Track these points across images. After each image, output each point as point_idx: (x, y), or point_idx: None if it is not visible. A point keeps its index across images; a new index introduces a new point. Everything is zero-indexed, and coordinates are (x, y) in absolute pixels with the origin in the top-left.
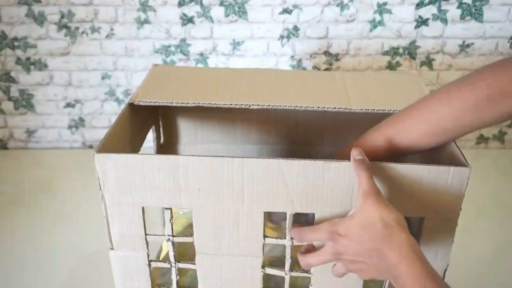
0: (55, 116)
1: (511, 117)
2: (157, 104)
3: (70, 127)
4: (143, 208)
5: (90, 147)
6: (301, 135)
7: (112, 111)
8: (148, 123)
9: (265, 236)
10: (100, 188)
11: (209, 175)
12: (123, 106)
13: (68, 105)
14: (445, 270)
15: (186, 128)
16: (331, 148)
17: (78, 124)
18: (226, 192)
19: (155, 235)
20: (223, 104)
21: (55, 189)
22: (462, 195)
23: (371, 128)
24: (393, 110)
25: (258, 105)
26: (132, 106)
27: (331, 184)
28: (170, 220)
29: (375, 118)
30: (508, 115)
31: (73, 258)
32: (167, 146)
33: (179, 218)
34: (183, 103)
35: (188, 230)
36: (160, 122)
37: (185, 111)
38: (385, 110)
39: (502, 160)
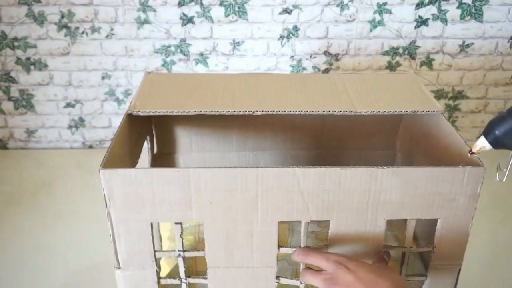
0: (55, 116)
1: None
2: (157, 113)
3: (70, 127)
4: (151, 224)
5: (90, 147)
6: (299, 139)
7: (112, 111)
8: (144, 134)
9: (279, 246)
10: (106, 205)
11: (221, 187)
12: (123, 106)
13: (68, 105)
14: (459, 270)
15: (180, 137)
16: (330, 150)
17: (78, 124)
18: (239, 203)
19: (164, 251)
20: (226, 111)
21: (55, 189)
22: (477, 195)
23: None
24: (397, 112)
25: (262, 111)
26: (130, 117)
27: (347, 189)
28: (180, 234)
29: (376, 120)
30: None
31: (73, 258)
32: (162, 157)
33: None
34: (184, 112)
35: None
36: (154, 132)
37: (179, 119)
38: (390, 111)
39: (502, 160)
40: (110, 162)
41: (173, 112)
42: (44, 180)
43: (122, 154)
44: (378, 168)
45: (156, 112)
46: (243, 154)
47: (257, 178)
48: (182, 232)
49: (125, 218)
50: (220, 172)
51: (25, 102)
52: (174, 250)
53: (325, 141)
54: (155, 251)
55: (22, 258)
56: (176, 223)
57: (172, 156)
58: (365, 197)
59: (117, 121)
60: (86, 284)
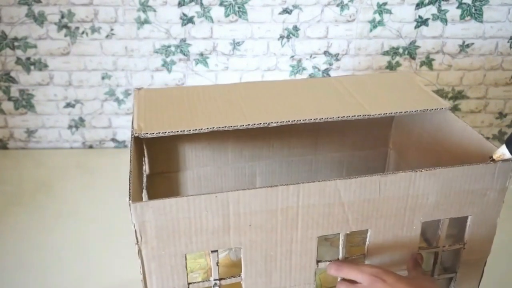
0: (55, 116)
1: None
2: (166, 134)
3: (70, 127)
4: (185, 256)
5: (90, 147)
6: (295, 145)
7: (112, 111)
8: (141, 155)
9: (318, 261)
10: (137, 241)
11: (262, 207)
12: (123, 106)
13: (68, 105)
14: (485, 263)
15: (172, 155)
16: (325, 154)
17: (78, 124)
18: (279, 222)
19: (198, 282)
20: (240, 126)
21: (55, 189)
22: (506, 189)
23: None
24: (408, 111)
25: (277, 122)
26: (135, 140)
27: (387, 196)
28: (217, 263)
29: (370, 120)
30: None
31: (72, 258)
32: (155, 177)
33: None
34: (196, 129)
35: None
36: (145, 151)
37: (171, 136)
38: (401, 112)
39: None
40: (136, 194)
41: (184, 131)
42: (44, 180)
43: (137, 181)
44: (417, 171)
45: (165, 132)
46: (239, 166)
47: (298, 194)
48: (218, 261)
49: (157, 253)
50: (260, 192)
51: (25, 102)
52: (208, 280)
53: (320, 145)
54: (189, 283)
55: (21, 258)
56: (212, 251)
57: (166, 175)
58: (403, 202)
59: (117, 121)
60: (86, 284)
